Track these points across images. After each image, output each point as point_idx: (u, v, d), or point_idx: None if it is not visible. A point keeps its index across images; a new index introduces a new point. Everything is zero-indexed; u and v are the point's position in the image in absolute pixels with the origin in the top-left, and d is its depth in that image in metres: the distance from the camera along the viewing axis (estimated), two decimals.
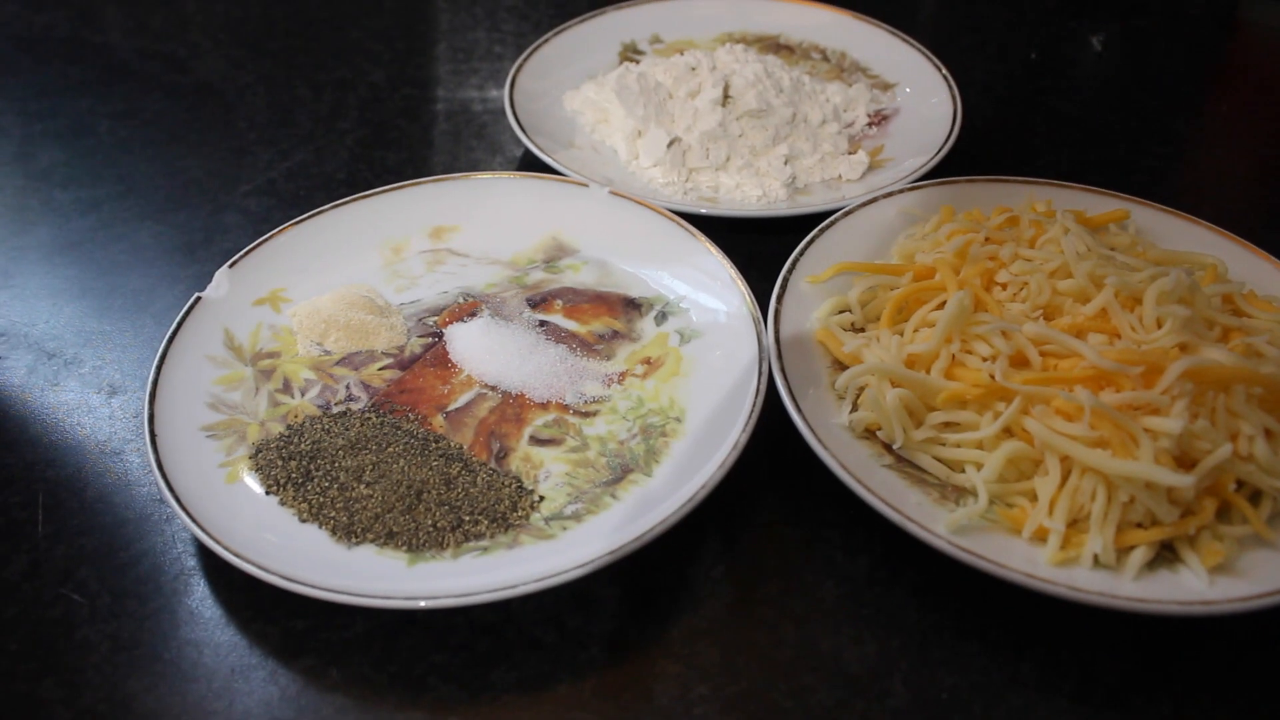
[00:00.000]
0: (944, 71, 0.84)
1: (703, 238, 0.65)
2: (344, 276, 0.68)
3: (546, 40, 0.87)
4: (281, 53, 0.97)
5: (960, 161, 0.77)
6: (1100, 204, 0.72)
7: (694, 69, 0.79)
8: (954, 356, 0.58)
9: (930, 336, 0.59)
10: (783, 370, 0.58)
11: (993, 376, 0.56)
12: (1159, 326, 0.57)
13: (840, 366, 0.61)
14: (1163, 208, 0.71)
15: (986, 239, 0.65)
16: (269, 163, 0.83)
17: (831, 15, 0.93)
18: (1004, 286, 0.62)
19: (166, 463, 0.54)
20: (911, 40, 0.88)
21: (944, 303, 0.62)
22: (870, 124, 0.83)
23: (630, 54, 0.91)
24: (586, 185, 0.70)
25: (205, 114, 0.89)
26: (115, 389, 0.63)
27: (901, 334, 0.62)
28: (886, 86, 0.87)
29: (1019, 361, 0.58)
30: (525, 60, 0.84)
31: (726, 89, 0.77)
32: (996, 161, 0.82)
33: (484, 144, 0.85)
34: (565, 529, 0.53)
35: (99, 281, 0.71)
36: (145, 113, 0.89)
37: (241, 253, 0.66)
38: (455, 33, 0.99)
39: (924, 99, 0.84)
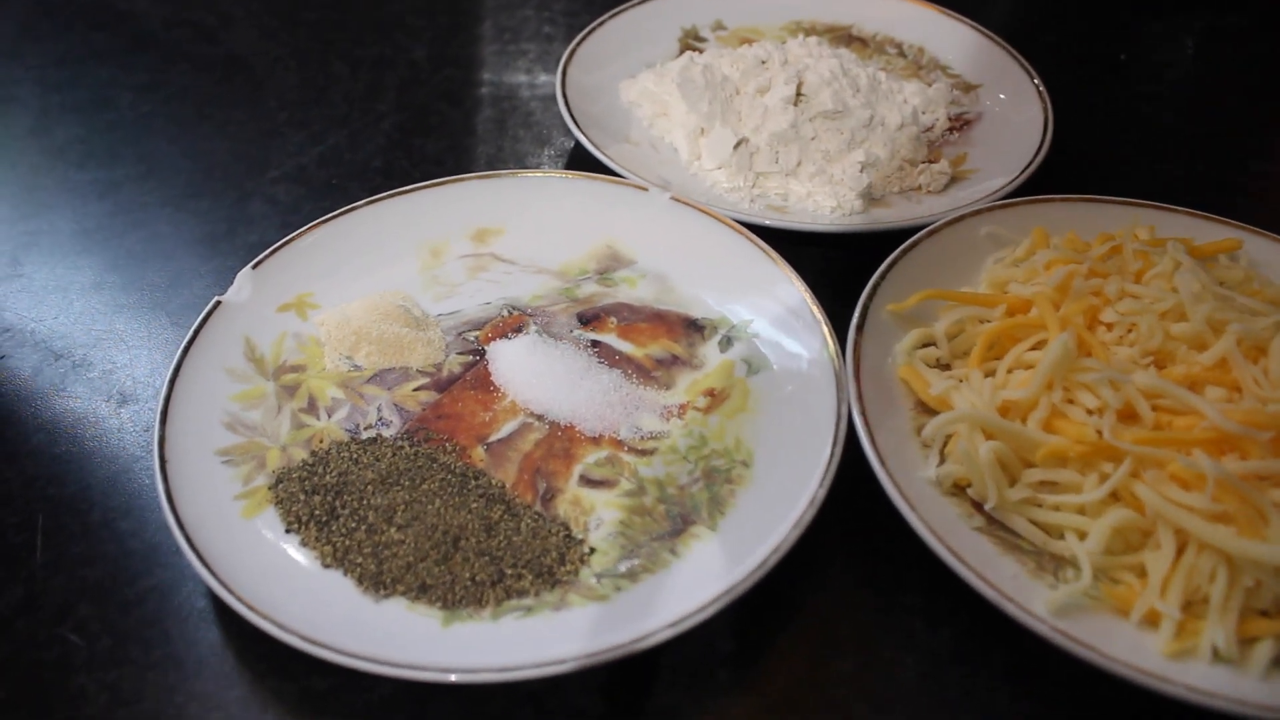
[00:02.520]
0: (1035, 78, 0.76)
1: (778, 259, 0.59)
2: (377, 282, 0.62)
3: (601, 23, 0.81)
4: (316, 24, 0.90)
5: (1045, 174, 0.70)
6: (1208, 231, 0.65)
7: (764, 62, 0.73)
8: (1054, 406, 0.52)
9: (1028, 382, 0.53)
10: (864, 414, 0.52)
11: (1100, 433, 0.50)
12: None
13: (924, 409, 0.55)
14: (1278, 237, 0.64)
15: (1090, 272, 0.58)
16: (300, 146, 0.77)
17: (910, 7, 0.85)
18: (1109, 327, 0.56)
19: (177, 494, 0.48)
20: (998, 39, 0.81)
21: (1041, 342, 0.55)
22: (951, 129, 0.76)
23: (691, 41, 0.84)
24: (646, 189, 0.64)
25: (233, 89, 0.83)
26: (126, 398, 0.58)
27: (993, 374, 0.55)
28: (969, 88, 0.80)
29: (1128, 416, 0.51)
30: (578, 45, 0.78)
31: (799, 86, 0.70)
32: (1084, 175, 0.75)
33: (531, 134, 0.78)
34: (619, 589, 0.47)
35: (114, 274, 0.66)
36: (170, 86, 0.83)
37: (266, 252, 0.61)
38: (502, 9, 0.92)
39: (1010, 104, 0.77)
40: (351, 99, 0.81)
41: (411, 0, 0.93)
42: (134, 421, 0.57)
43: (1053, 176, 0.69)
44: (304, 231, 0.62)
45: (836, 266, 0.65)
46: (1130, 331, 0.55)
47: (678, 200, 0.63)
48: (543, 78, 0.84)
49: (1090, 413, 0.51)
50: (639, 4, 0.83)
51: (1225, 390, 0.52)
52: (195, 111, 0.80)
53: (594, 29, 0.80)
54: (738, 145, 0.68)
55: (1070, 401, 0.52)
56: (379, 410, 0.56)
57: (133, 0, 0.94)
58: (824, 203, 0.67)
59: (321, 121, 0.79)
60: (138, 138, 0.77)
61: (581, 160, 0.70)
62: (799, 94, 0.71)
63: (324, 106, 0.81)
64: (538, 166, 0.75)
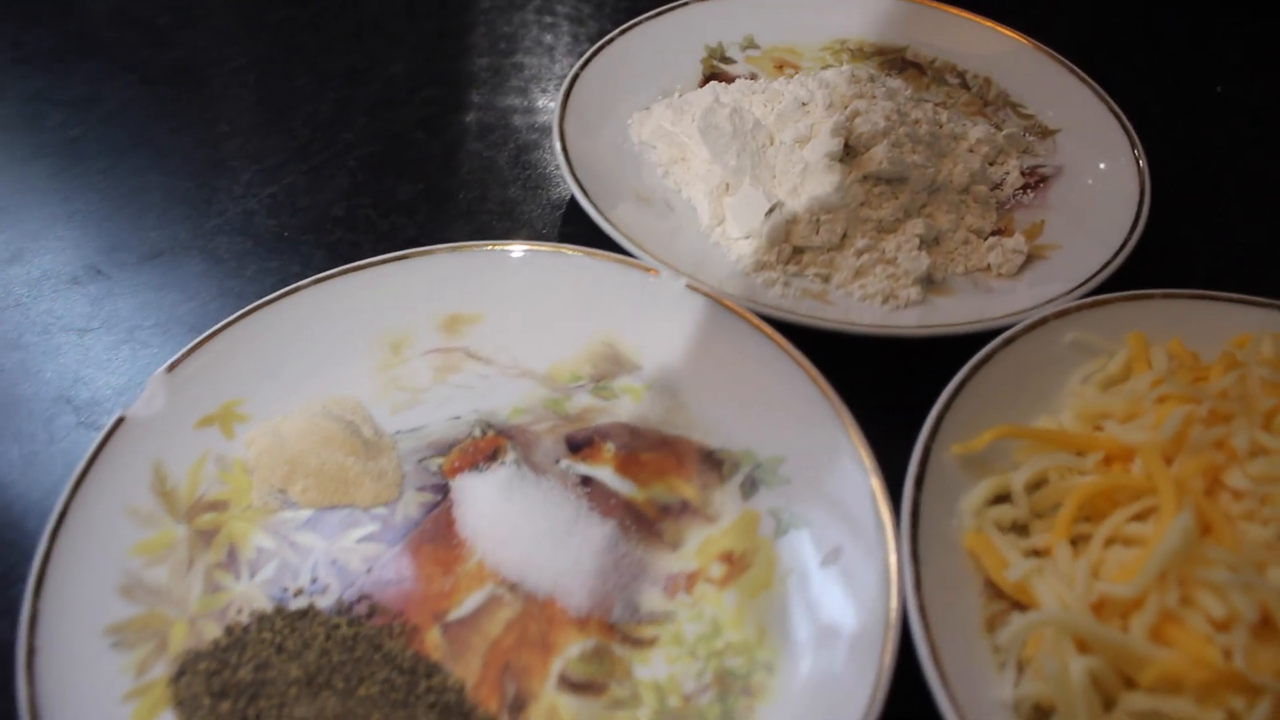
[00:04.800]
0: (1124, 122, 0.63)
1: (819, 378, 0.47)
2: (324, 385, 0.51)
3: (610, 41, 0.68)
4: (283, 26, 0.78)
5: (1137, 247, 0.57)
6: None
7: (805, 104, 0.60)
8: (1167, 609, 0.40)
9: (1132, 571, 0.41)
10: (922, 610, 0.41)
11: (1228, 653, 0.39)
12: None
13: (996, 591, 0.44)
14: None
15: (1211, 414, 0.46)
16: (249, 185, 0.65)
17: (973, 25, 0.72)
18: (1236, 495, 0.44)
19: (45, 700, 0.38)
20: (1082, 73, 0.67)
21: (1149, 510, 0.44)
22: (1025, 186, 0.63)
23: (717, 63, 0.71)
24: (656, 273, 0.52)
25: (180, 108, 0.71)
26: None
27: (1084, 543, 0.44)
28: (1046, 133, 0.67)
29: (1266, 627, 0.40)
30: (581, 69, 0.65)
31: (848, 138, 0.58)
32: (1181, 246, 0.63)
33: (525, 174, 0.66)
34: None
35: None
36: (108, 102, 0.71)
37: (185, 349, 0.49)
38: (498, 12, 0.79)
39: (1095, 155, 0.64)
40: (315, 123, 0.69)
41: (394, 1, 0.80)
42: None
43: (1142, 247, 0.56)
44: (234, 320, 0.51)
45: (887, 370, 0.53)
46: (1265, 504, 0.43)
47: (694, 289, 0.51)
48: (540, 101, 0.71)
49: (1215, 627, 0.40)
50: (655, 16, 0.70)
51: None
52: (132, 136, 0.68)
53: (601, 48, 0.67)
54: (770, 211, 0.56)
55: (1188, 603, 0.41)
56: (314, 569, 0.45)
57: None
58: (874, 287, 0.55)
59: (278, 153, 0.67)
60: (59, 171, 0.65)
61: (582, 218, 0.58)
62: (846, 145, 0.58)
63: (282, 133, 0.68)
64: (531, 219, 0.63)
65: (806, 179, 0.56)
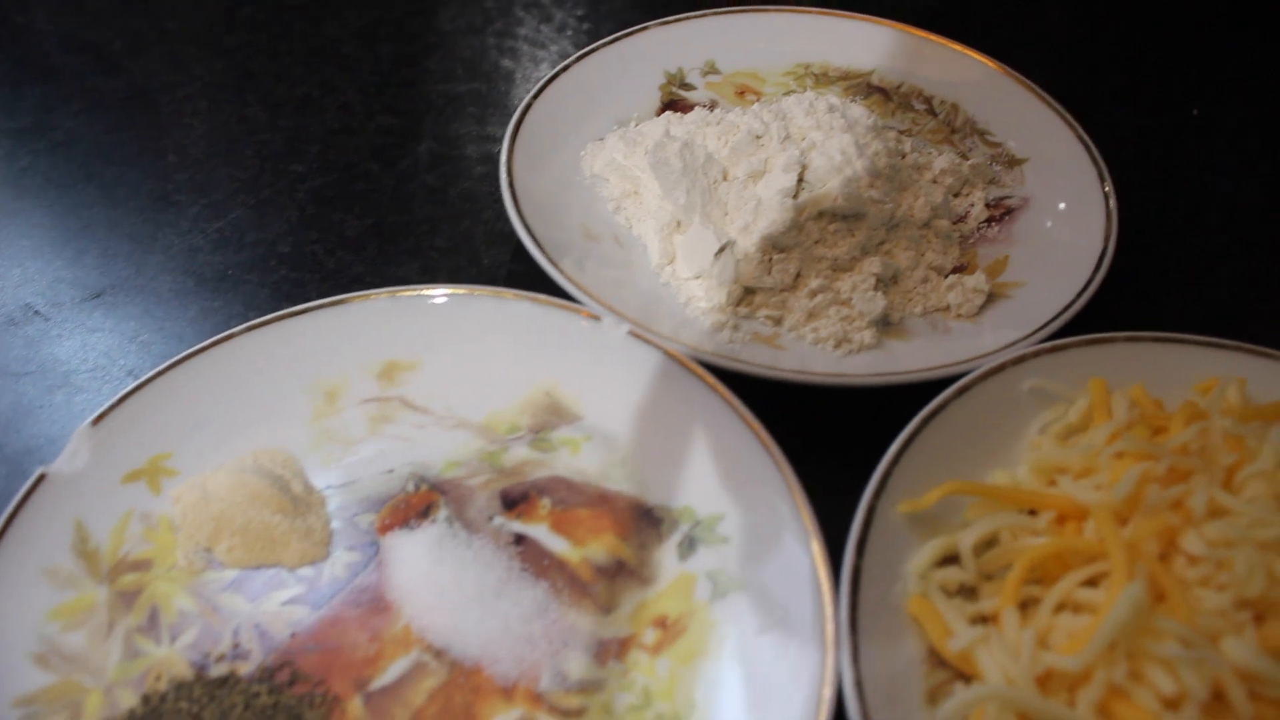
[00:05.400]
0: (1094, 154, 0.61)
1: (762, 433, 0.45)
2: (256, 437, 0.49)
3: (565, 68, 0.66)
4: (238, 52, 0.76)
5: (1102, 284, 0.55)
6: None
7: (759, 138, 0.58)
8: (1114, 684, 0.39)
9: (1081, 641, 0.40)
10: (859, 686, 0.39)
11: None
12: None
13: (941, 661, 0.42)
14: None
15: (1170, 472, 0.44)
16: (195, 220, 0.63)
17: (944, 51, 0.70)
18: (1192, 560, 0.42)
19: None
20: (1051, 100, 0.65)
21: (1101, 575, 0.42)
22: (990, 219, 0.61)
23: (676, 90, 0.69)
24: (599, 319, 0.50)
25: (130, 138, 0.69)
26: None
27: (1033, 607, 0.42)
28: (1013, 162, 0.65)
29: (1212, 704, 0.38)
30: (534, 100, 0.63)
31: (802, 172, 0.56)
32: (1151, 283, 0.61)
33: (476, 208, 0.64)
34: None
35: None
36: (56, 131, 0.70)
37: (112, 401, 0.48)
38: (457, 36, 0.77)
39: (1063, 186, 0.62)
40: (265, 154, 0.68)
41: (353, 21, 0.79)
42: None
43: (1105, 287, 0.54)
44: (163, 371, 0.49)
45: (841, 417, 0.52)
46: (1221, 569, 0.41)
47: (637, 335, 0.50)
48: (496, 129, 0.70)
49: (1164, 702, 0.38)
50: (613, 41, 0.68)
51: None
52: (80, 167, 0.67)
53: (555, 76, 0.65)
54: (721, 251, 0.54)
55: (1136, 678, 0.39)
56: (236, 633, 0.43)
57: (30, 13, 0.79)
58: (828, 332, 0.53)
59: (226, 185, 0.65)
60: (4, 203, 0.64)
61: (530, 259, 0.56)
62: (800, 180, 0.56)
63: (232, 164, 0.67)
64: (481, 256, 0.61)
65: (759, 216, 0.55)
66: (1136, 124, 0.73)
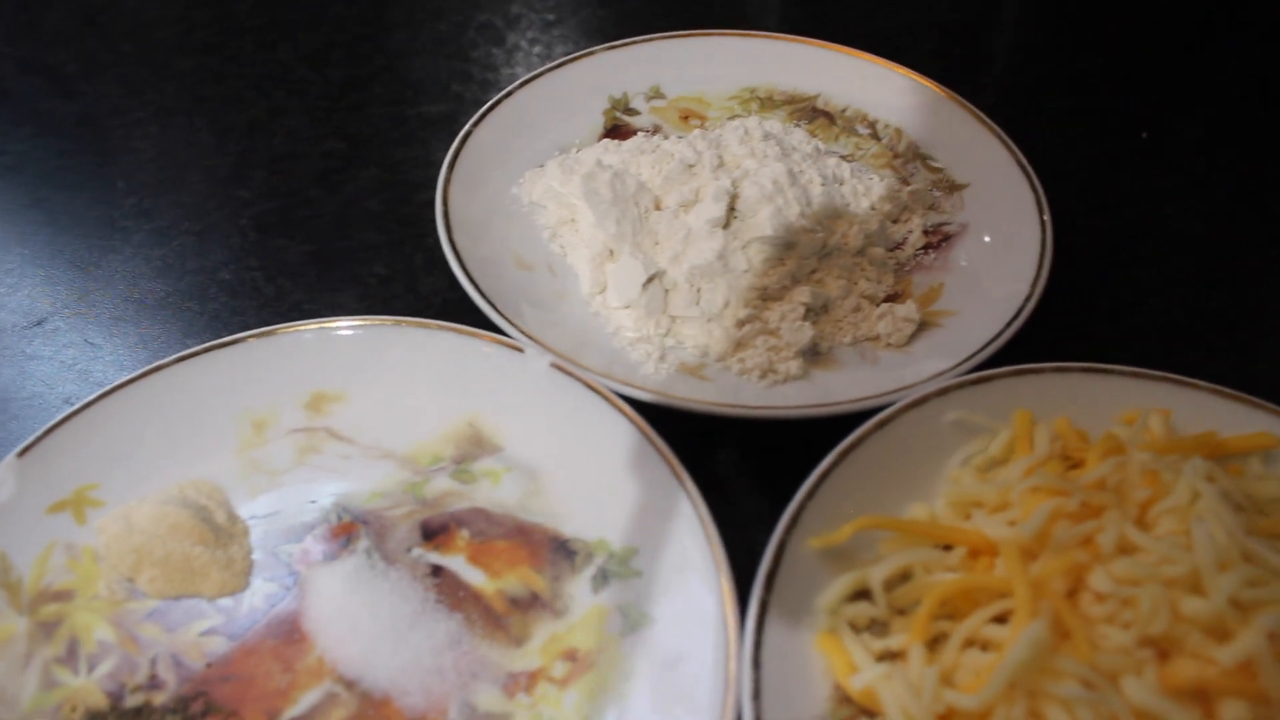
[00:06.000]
0: (1034, 181, 0.61)
1: (675, 464, 0.46)
2: (183, 467, 0.50)
3: (509, 94, 0.66)
4: (191, 76, 0.77)
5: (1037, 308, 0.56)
6: (1240, 417, 0.51)
7: (691, 167, 0.58)
8: None
9: (983, 679, 0.40)
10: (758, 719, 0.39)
11: None
12: None
13: (846, 699, 0.42)
14: None
15: (1082, 508, 0.44)
16: (139, 245, 0.64)
17: (889, 75, 0.70)
18: (1099, 598, 0.42)
19: None
20: (994, 125, 0.65)
21: (1009, 612, 0.42)
22: (927, 246, 0.62)
23: (619, 115, 0.69)
24: (522, 350, 0.51)
25: (79, 163, 0.70)
26: None
27: (940, 655, 0.42)
28: (954, 188, 0.65)
29: None
30: (474, 127, 0.63)
31: (733, 201, 0.56)
32: (1086, 313, 0.61)
33: (417, 234, 0.65)
34: None
35: None
36: (6, 156, 0.70)
37: (40, 432, 0.48)
38: (407, 57, 0.78)
39: (1002, 213, 0.62)
40: (213, 180, 0.68)
41: (306, 43, 0.79)
42: None
43: (1043, 314, 0.54)
44: (92, 402, 0.50)
45: (764, 449, 0.52)
46: (1127, 606, 0.41)
47: (559, 368, 0.50)
48: (440, 154, 0.70)
49: None
50: (559, 66, 0.69)
51: (1249, 705, 0.38)
52: (27, 195, 0.67)
53: (498, 102, 0.65)
54: (649, 281, 0.55)
55: (1036, 717, 0.39)
56: (153, 663, 0.44)
57: None
58: (753, 363, 0.53)
59: (172, 212, 0.66)
60: None
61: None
62: (732, 210, 0.56)
63: (179, 190, 0.67)
64: (419, 283, 0.61)
65: (689, 246, 0.55)
66: (1085, 148, 0.73)
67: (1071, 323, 0.59)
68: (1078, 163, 0.72)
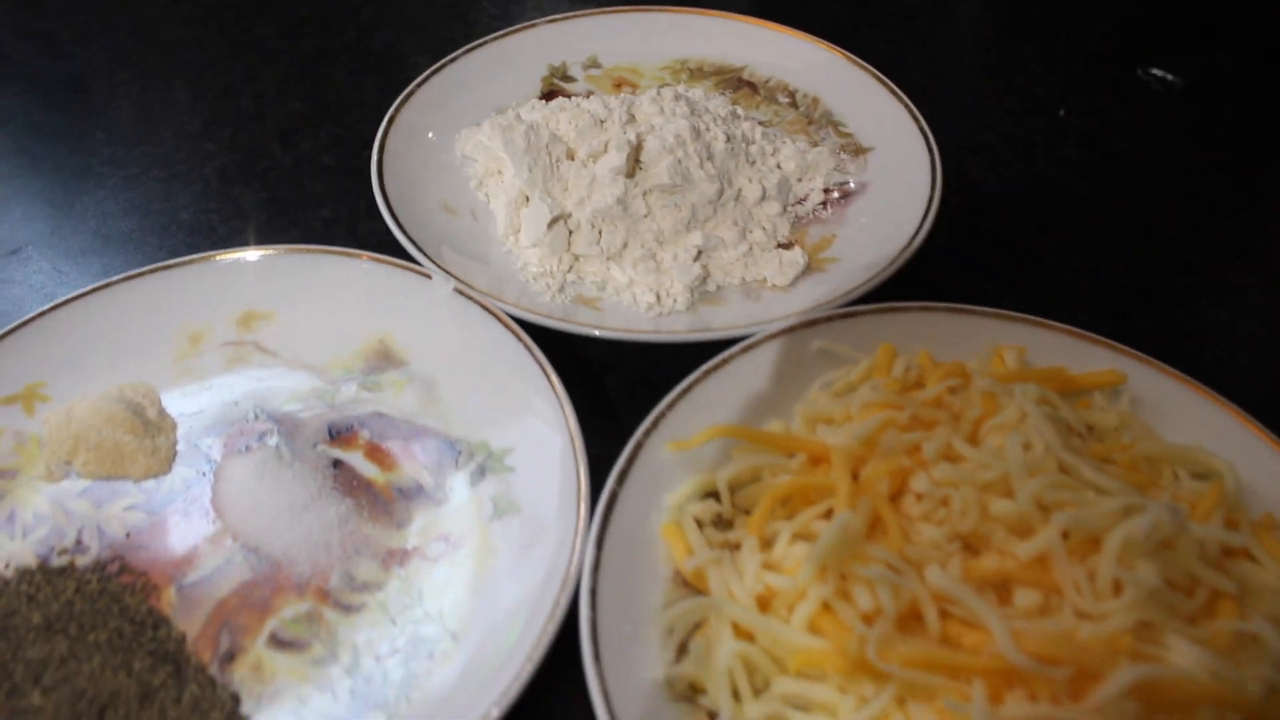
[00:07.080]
0: (931, 144, 0.66)
1: (551, 374, 0.51)
2: (124, 372, 0.56)
3: (454, 59, 0.72)
4: (173, 44, 0.83)
5: (934, 266, 0.60)
6: (1092, 356, 0.55)
7: (602, 122, 0.64)
8: (825, 601, 0.43)
9: (799, 565, 0.44)
10: (593, 590, 0.44)
11: (864, 644, 0.41)
12: (1116, 593, 0.42)
13: (684, 583, 0.47)
14: (1179, 375, 0.53)
15: (912, 420, 0.49)
16: (111, 189, 0.70)
17: (804, 46, 0.75)
18: (919, 498, 0.46)
19: None
20: (895, 88, 0.70)
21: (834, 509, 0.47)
22: (825, 203, 0.66)
23: (557, 81, 0.75)
24: (429, 277, 0.56)
25: (62, 118, 0.76)
26: None
27: (772, 547, 0.47)
28: (860, 151, 0.70)
29: (911, 621, 0.43)
30: (419, 87, 0.69)
31: (637, 152, 0.61)
32: (984, 268, 0.65)
33: (362, 184, 0.70)
34: None
35: None
36: None
37: None
38: (370, 32, 0.84)
39: (900, 173, 0.66)
40: (183, 135, 0.75)
41: (280, 18, 0.86)
42: None
43: (940, 271, 0.58)
44: (46, 311, 0.56)
45: (650, 374, 0.57)
46: (942, 506, 0.46)
47: (461, 292, 0.55)
48: None
49: (865, 618, 0.42)
50: (504, 35, 0.74)
51: (1042, 594, 0.43)
52: (12, 143, 0.74)
53: (444, 65, 0.71)
54: (553, 222, 0.60)
55: (845, 597, 0.44)
56: (80, 532, 0.49)
57: None
58: (643, 297, 0.58)
59: (142, 161, 0.72)
60: None
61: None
62: (636, 162, 0.62)
63: (151, 143, 0.74)
64: (358, 226, 0.67)
65: (593, 191, 0.60)
66: (1005, 127, 0.77)
67: (968, 280, 0.63)
68: (995, 140, 0.76)
